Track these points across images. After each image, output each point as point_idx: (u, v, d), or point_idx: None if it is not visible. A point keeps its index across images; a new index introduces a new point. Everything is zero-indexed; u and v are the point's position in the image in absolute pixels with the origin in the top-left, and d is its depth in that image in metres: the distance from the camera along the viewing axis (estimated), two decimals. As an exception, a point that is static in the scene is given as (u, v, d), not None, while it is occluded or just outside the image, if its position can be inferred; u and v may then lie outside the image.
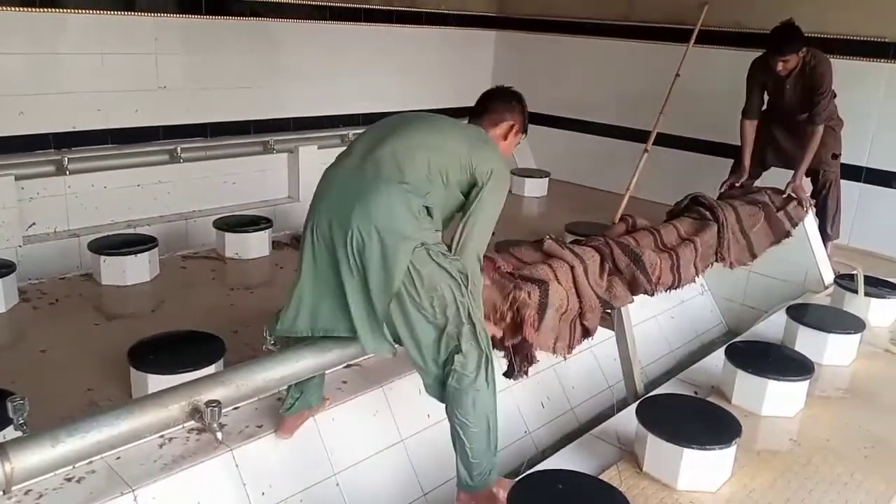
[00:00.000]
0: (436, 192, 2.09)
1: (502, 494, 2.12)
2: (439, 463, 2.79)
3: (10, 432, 2.01)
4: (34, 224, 3.93)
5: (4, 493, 1.54)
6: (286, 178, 5.01)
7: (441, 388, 2.12)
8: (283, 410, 2.35)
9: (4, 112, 3.78)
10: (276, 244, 4.19)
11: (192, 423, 2.30)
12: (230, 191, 4.68)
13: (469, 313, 2.07)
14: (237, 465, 2.35)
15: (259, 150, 4.73)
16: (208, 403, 1.75)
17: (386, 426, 2.72)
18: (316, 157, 4.98)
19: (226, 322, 2.92)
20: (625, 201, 4.27)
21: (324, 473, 2.55)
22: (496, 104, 2.36)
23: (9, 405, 1.64)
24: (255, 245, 4.02)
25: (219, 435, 1.74)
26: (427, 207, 2.05)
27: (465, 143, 2.15)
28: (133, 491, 2.11)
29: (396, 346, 2.13)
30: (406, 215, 1.99)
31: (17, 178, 3.75)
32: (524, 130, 2.42)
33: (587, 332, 2.82)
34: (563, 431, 3.35)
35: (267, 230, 4.09)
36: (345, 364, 2.69)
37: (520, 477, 2.16)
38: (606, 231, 3.39)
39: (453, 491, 2.36)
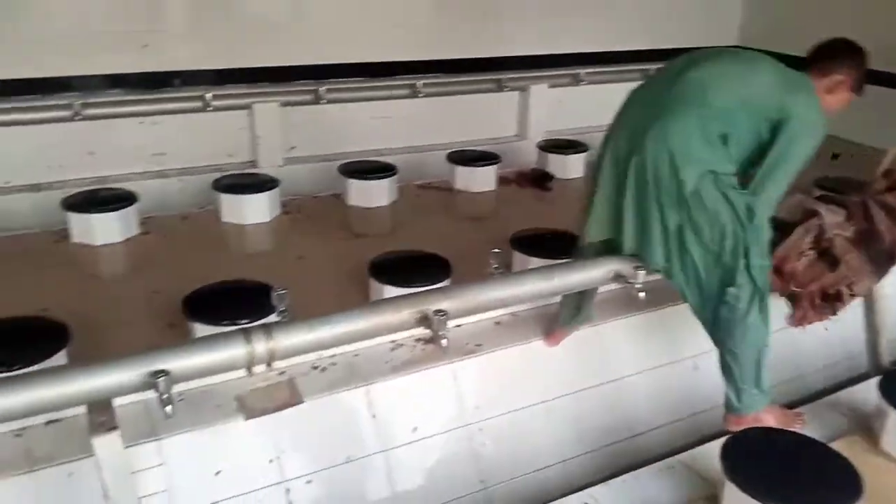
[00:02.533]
0: (737, 124, 2.08)
1: (771, 420, 2.22)
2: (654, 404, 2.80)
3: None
4: (294, 147, 4.40)
5: (268, 365, 1.80)
6: (515, 117, 5.09)
7: (709, 313, 2.18)
8: (561, 323, 2.59)
9: (271, 45, 4.19)
10: (502, 180, 4.31)
11: (420, 333, 2.54)
12: (463, 126, 4.85)
13: (746, 250, 2.06)
14: (455, 378, 2.54)
15: (492, 87, 4.83)
16: (436, 312, 1.89)
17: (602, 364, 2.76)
18: (547, 96, 4.99)
19: (453, 248, 3.09)
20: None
21: (529, 401, 2.66)
22: (828, 55, 2.26)
23: (273, 294, 1.90)
24: (483, 179, 4.17)
25: (443, 342, 1.89)
26: (724, 136, 2.07)
27: (780, 84, 2.11)
28: (367, 385, 2.37)
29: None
30: (700, 141, 2.03)
31: (282, 104, 4.20)
32: (856, 89, 2.27)
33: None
34: (788, 398, 3.17)
35: (494, 166, 4.21)
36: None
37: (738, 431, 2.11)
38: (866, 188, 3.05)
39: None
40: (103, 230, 3.27)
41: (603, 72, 5.16)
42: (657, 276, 2.30)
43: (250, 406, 2.13)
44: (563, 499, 2.00)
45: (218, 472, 2.15)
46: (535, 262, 2.88)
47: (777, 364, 2.82)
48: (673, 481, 2.09)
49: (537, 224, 3.37)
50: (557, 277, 2.14)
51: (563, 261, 2.39)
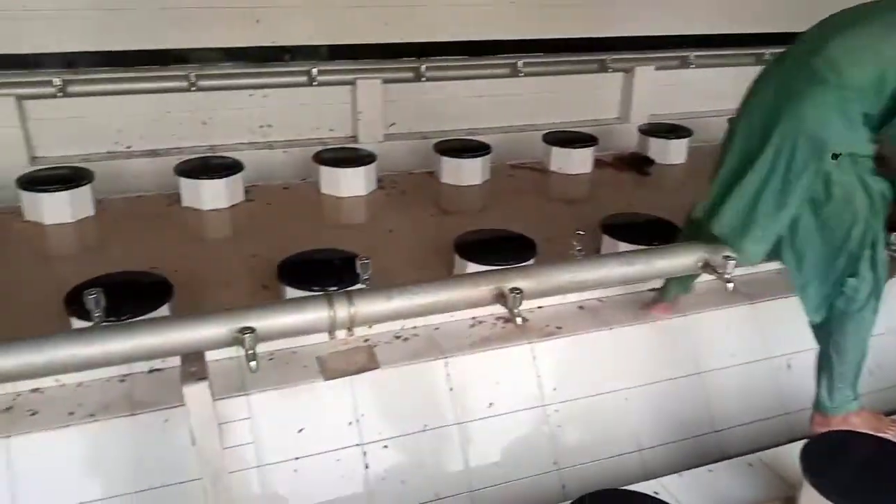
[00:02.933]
0: (879, 101, 1.92)
1: (862, 424, 2.13)
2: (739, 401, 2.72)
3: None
4: (394, 124, 4.49)
5: (349, 330, 1.88)
6: (618, 98, 4.98)
7: (821, 305, 2.10)
8: (664, 297, 2.62)
9: (377, 23, 4.27)
10: (598, 163, 4.24)
11: (500, 312, 2.56)
12: (562, 107, 4.80)
13: (874, 240, 1.98)
14: (534, 357, 2.55)
15: (594, 67, 4.74)
16: (512, 290, 1.91)
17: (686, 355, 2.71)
18: (652, 79, 4.85)
19: (541, 229, 3.09)
20: None
21: (613, 385, 2.64)
22: None
23: (357, 263, 1.97)
24: (579, 161, 4.12)
25: (518, 320, 1.90)
26: (865, 115, 1.93)
27: None
28: (446, 358, 2.43)
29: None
30: (837, 122, 1.91)
31: (384, 81, 4.28)
32: None
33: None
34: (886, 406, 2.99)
35: (591, 148, 4.15)
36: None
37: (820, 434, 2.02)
38: None
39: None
40: (211, 196, 3.46)
41: (714, 55, 4.95)
42: (748, 269, 2.23)
43: (330, 367, 2.23)
44: (632, 485, 1.98)
45: (300, 430, 2.26)
46: (624, 247, 2.85)
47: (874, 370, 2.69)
48: (749, 479, 2.03)
49: (632, 210, 3.32)
50: (640, 263, 2.11)
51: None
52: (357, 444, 2.32)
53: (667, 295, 2.64)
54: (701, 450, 2.63)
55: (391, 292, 1.88)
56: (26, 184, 3.27)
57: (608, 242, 2.97)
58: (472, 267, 2.64)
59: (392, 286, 1.92)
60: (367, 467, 2.32)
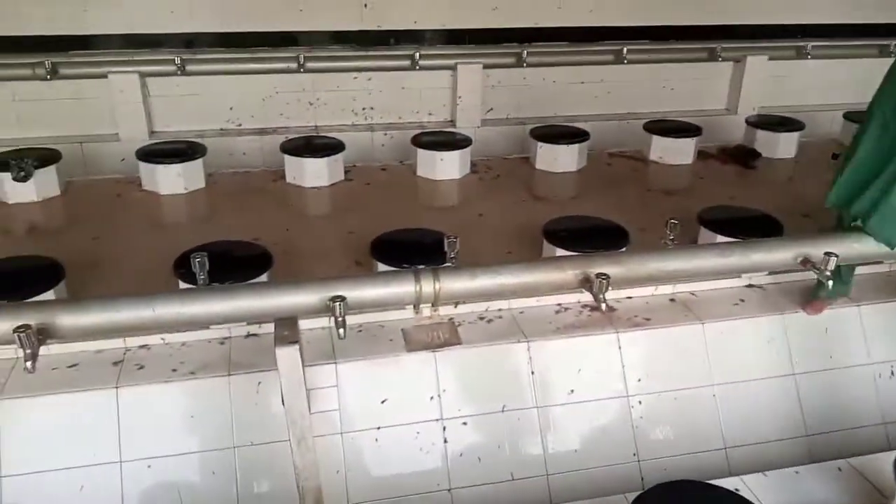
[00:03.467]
0: None
1: None
2: (832, 406, 2.60)
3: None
4: (491, 109, 4.50)
5: (433, 306, 1.93)
6: (726, 89, 4.79)
7: None
8: (821, 294, 2.61)
9: (479, 9, 4.28)
10: (701, 154, 4.11)
11: (586, 300, 2.55)
12: (666, 96, 4.67)
13: None
14: (620, 347, 2.53)
15: (703, 56, 4.58)
16: (598, 275, 1.90)
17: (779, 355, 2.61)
18: (764, 69, 4.64)
19: (636, 219, 3.04)
20: None
21: (700, 381, 2.58)
22: None
23: (445, 241, 2.01)
24: (680, 151, 4.00)
25: (603, 306, 1.89)
26: None
27: None
28: (528, 342, 2.44)
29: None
30: None
31: (485, 66, 4.30)
32: None
33: None
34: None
35: (694, 138, 4.03)
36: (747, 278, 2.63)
37: None
38: None
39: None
40: (313, 174, 3.60)
41: (834, 45, 4.68)
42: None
43: (414, 339, 2.30)
44: (713, 480, 1.93)
45: (384, 401, 2.34)
46: (721, 241, 2.76)
47: None
48: (836, 484, 1.95)
49: (734, 204, 3.21)
50: (736, 255, 2.05)
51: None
52: (437, 419, 2.38)
53: (823, 292, 2.62)
54: (792, 451, 2.54)
55: (476, 271, 1.92)
56: (145, 156, 3.51)
57: (705, 235, 2.89)
58: (560, 253, 2.63)
59: (477, 265, 1.95)
60: (445, 442, 2.37)
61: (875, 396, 2.72)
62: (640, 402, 2.54)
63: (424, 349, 2.30)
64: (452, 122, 4.41)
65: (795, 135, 4.14)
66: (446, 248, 2.01)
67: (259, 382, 2.27)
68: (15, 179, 3.23)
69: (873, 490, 1.88)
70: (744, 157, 4.08)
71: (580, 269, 1.95)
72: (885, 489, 1.80)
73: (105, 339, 2.32)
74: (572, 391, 2.50)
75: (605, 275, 1.89)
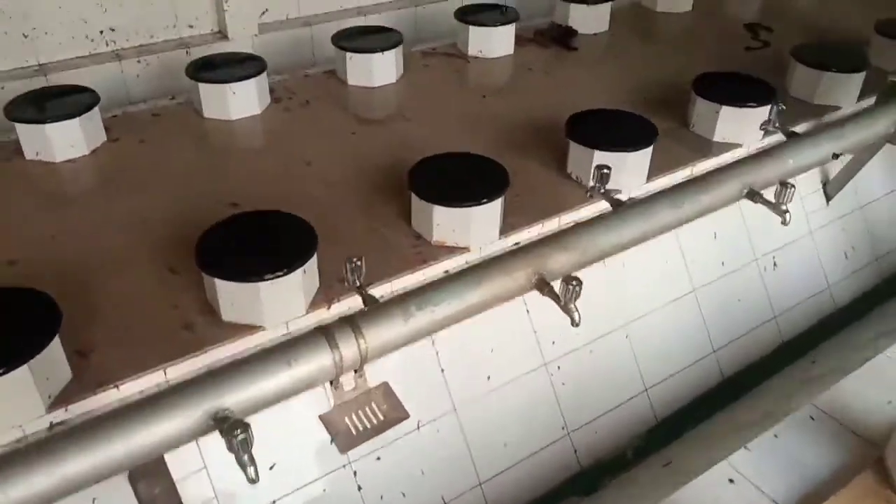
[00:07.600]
0: None
1: None
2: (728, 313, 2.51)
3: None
4: (266, 10, 3.65)
5: (357, 371, 1.35)
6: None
7: None
8: None
9: None
10: (518, 40, 3.65)
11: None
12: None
13: None
14: (528, 311, 2.15)
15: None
16: (568, 279, 1.42)
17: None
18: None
19: (496, 145, 2.57)
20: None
21: (612, 325, 2.32)
22: None
23: (345, 266, 1.40)
24: (501, 42, 3.53)
25: (576, 316, 1.45)
26: None
27: None
28: (432, 336, 1.95)
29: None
30: None
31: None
32: None
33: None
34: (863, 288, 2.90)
35: (513, 24, 3.55)
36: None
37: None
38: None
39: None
40: (63, 143, 2.60)
41: None
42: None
43: (342, 431, 1.66)
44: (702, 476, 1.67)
45: (271, 467, 1.76)
46: (599, 155, 2.36)
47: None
48: (819, 437, 1.74)
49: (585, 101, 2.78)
50: (688, 203, 1.69)
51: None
52: (344, 465, 1.86)
53: None
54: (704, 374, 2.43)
55: (407, 304, 1.35)
56: None
57: (576, 149, 2.44)
58: (440, 209, 2.04)
59: (405, 294, 1.38)
60: (360, 489, 1.87)
61: (764, 291, 2.66)
62: (558, 368, 2.21)
63: (365, 441, 1.70)
64: (222, 34, 3.51)
65: (608, 5, 3.84)
66: (347, 275, 1.40)
67: (94, 499, 1.56)
68: None
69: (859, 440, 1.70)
70: (562, 37, 3.72)
71: (533, 267, 1.46)
72: (858, 429, 1.63)
73: None
74: (489, 377, 2.09)
75: (576, 279, 1.42)
